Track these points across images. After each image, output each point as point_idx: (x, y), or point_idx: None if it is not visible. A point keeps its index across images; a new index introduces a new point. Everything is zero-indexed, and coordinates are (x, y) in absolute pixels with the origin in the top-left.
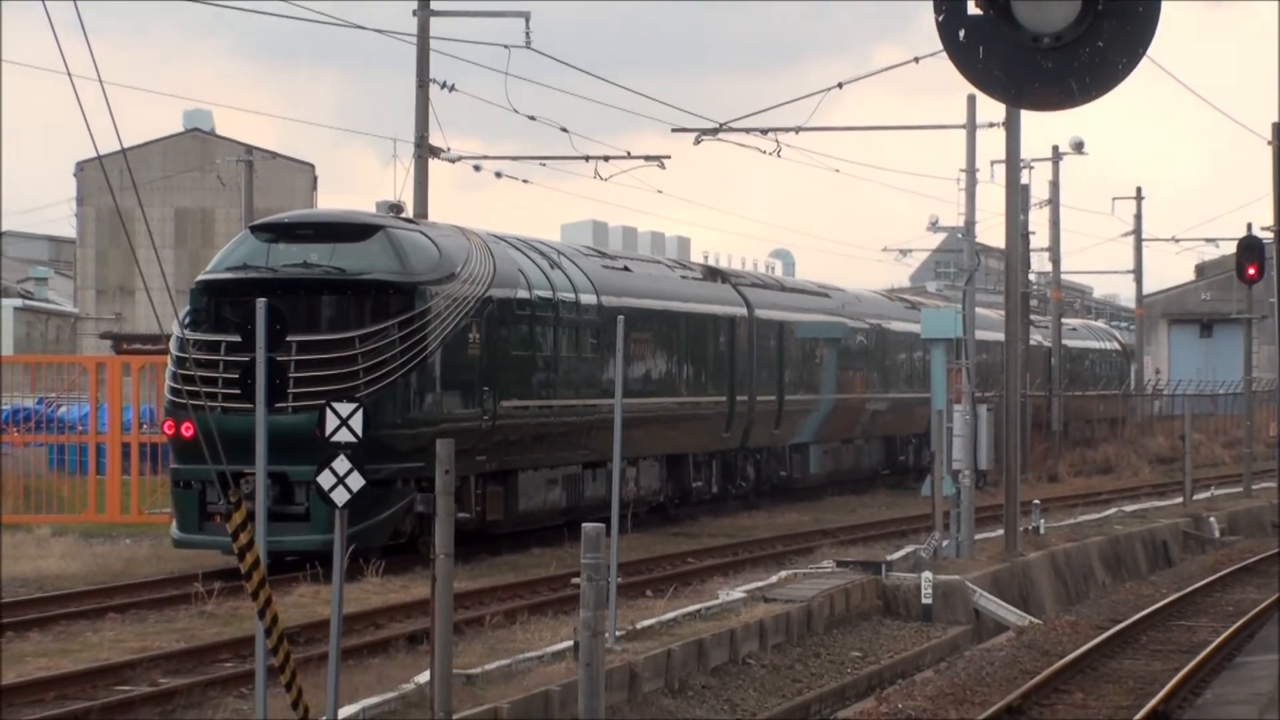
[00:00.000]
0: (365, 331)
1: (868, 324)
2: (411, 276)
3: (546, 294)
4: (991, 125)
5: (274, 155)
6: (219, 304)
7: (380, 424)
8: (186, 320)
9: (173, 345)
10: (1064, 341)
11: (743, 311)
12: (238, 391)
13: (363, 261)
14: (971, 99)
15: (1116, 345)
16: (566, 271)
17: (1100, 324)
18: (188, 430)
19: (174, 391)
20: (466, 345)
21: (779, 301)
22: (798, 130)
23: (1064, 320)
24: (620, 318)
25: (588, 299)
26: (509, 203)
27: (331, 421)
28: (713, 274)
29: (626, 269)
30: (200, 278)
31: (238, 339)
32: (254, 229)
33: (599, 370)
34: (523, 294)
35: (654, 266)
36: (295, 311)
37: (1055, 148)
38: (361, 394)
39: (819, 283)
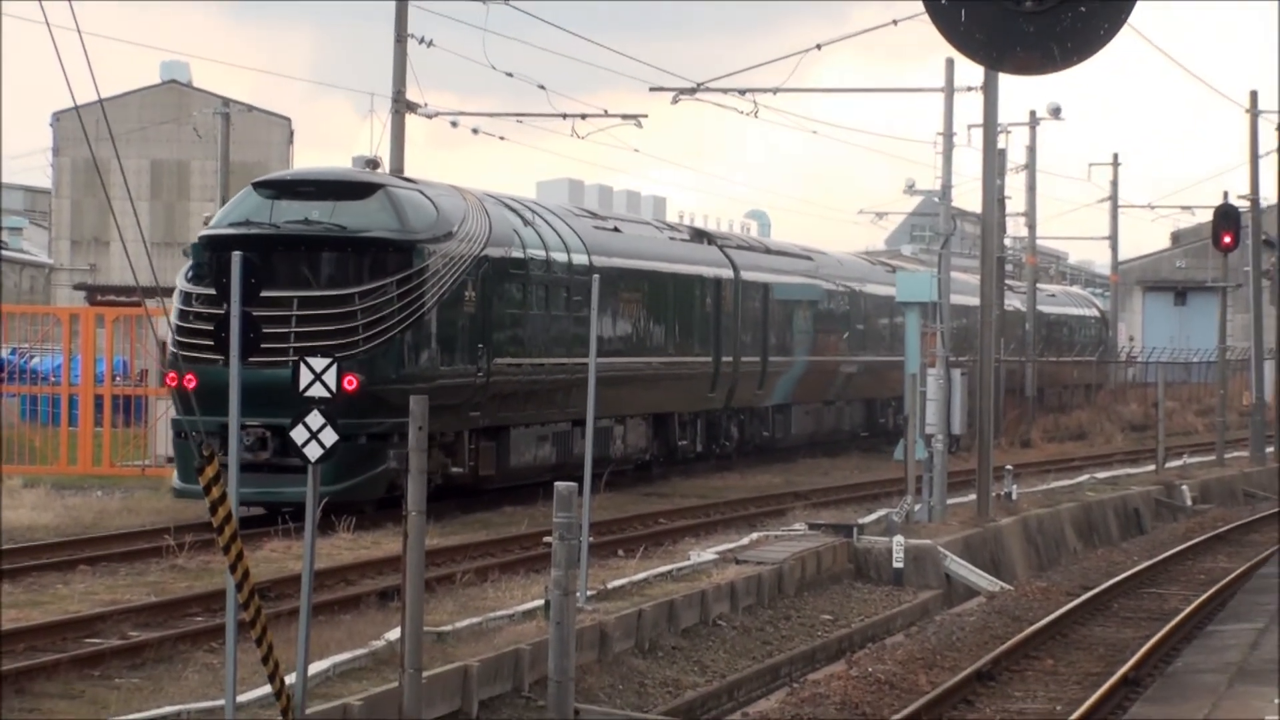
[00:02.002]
0: (365, 288)
1: (850, 287)
2: (410, 235)
3: (540, 254)
4: (969, 89)
5: (251, 108)
6: (222, 259)
7: (378, 379)
8: (189, 274)
9: (176, 299)
10: (1043, 308)
11: (729, 273)
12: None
13: (363, 219)
14: (950, 63)
15: (1095, 312)
16: (559, 232)
17: (1080, 290)
18: (190, 382)
19: (177, 344)
20: (462, 303)
21: (764, 264)
22: (776, 91)
23: (1043, 286)
24: (596, 277)
25: (579, 259)
26: (485, 159)
27: (305, 376)
28: (699, 235)
29: (617, 230)
30: (203, 233)
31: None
32: (256, 185)
33: (588, 329)
34: (517, 253)
35: (643, 228)
36: (296, 267)
37: (1032, 113)
38: (360, 349)
39: (802, 246)
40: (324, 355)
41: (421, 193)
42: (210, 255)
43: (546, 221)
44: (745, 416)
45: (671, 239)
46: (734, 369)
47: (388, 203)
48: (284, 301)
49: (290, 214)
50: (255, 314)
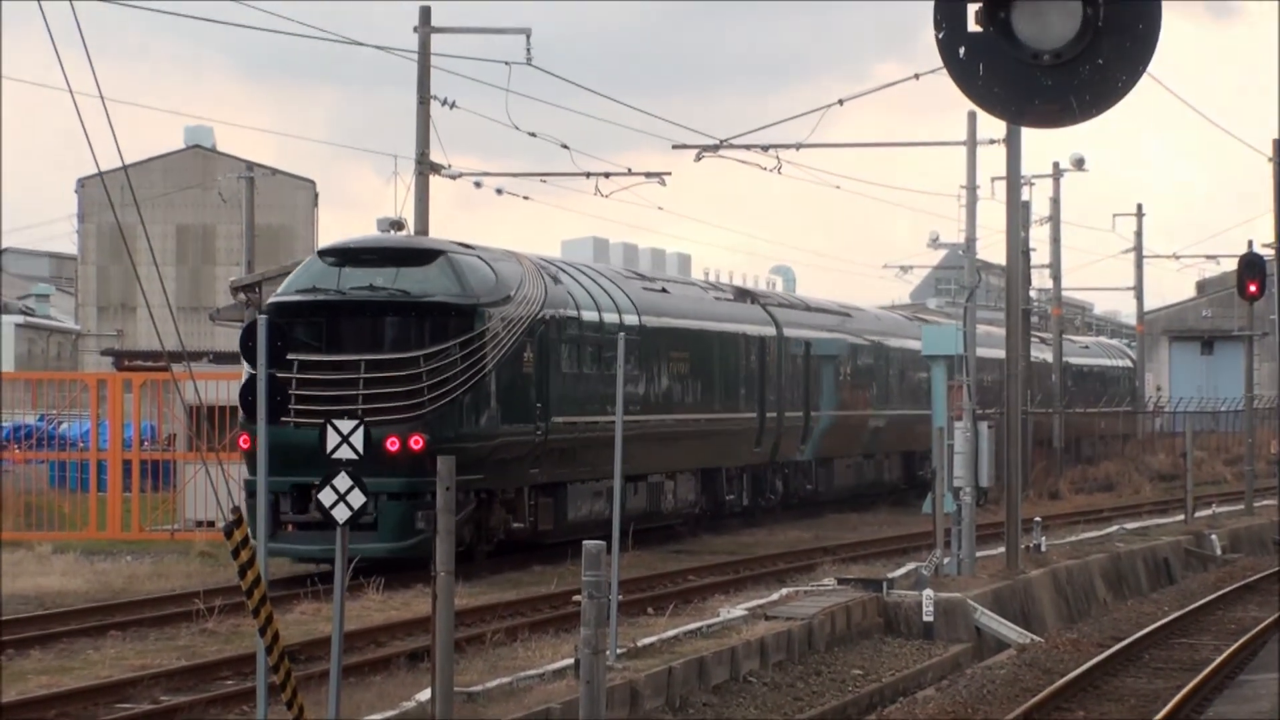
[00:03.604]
0: (429, 351)
1: (885, 342)
2: (471, 299)
3: (593, 315)
4: (992, 142)
5: (275, 172)
6: (290, 325)
7: (443, 439)
8: None
9: (245, 364)
10: (1076, 359)
11: (772, 331)
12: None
13: (425, 284)
14: (972, 116)
15: (1129, 363)
16: (610, 293)
17: (1113, 342)
18: None
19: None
20: (521, 364)
21: (805, 321)
22: (798, 147)
23: (1077, 338)
24: (621, 335)
25: (630, 319)
26: (508, 219)
27: (332, 439)
28: (743, 295)
29: (664, 291)
30: (271, 300)
31: (309, 357)
32: (321, 253)
33: (640, 388)
34: (571, 315)
35: (689, 288)
36: (361, 331)
37: (1056, 164)
38: (426, 410)
39: (840, 302)
40: (391, 416)
41: (480, 258)
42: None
43: (599, 284)
44: (789, 470)
45: (717, 299)
46: (778, 424)
47: (449, 268)
48: (351, 364)
49: (355, 280)
50: (324, 377)
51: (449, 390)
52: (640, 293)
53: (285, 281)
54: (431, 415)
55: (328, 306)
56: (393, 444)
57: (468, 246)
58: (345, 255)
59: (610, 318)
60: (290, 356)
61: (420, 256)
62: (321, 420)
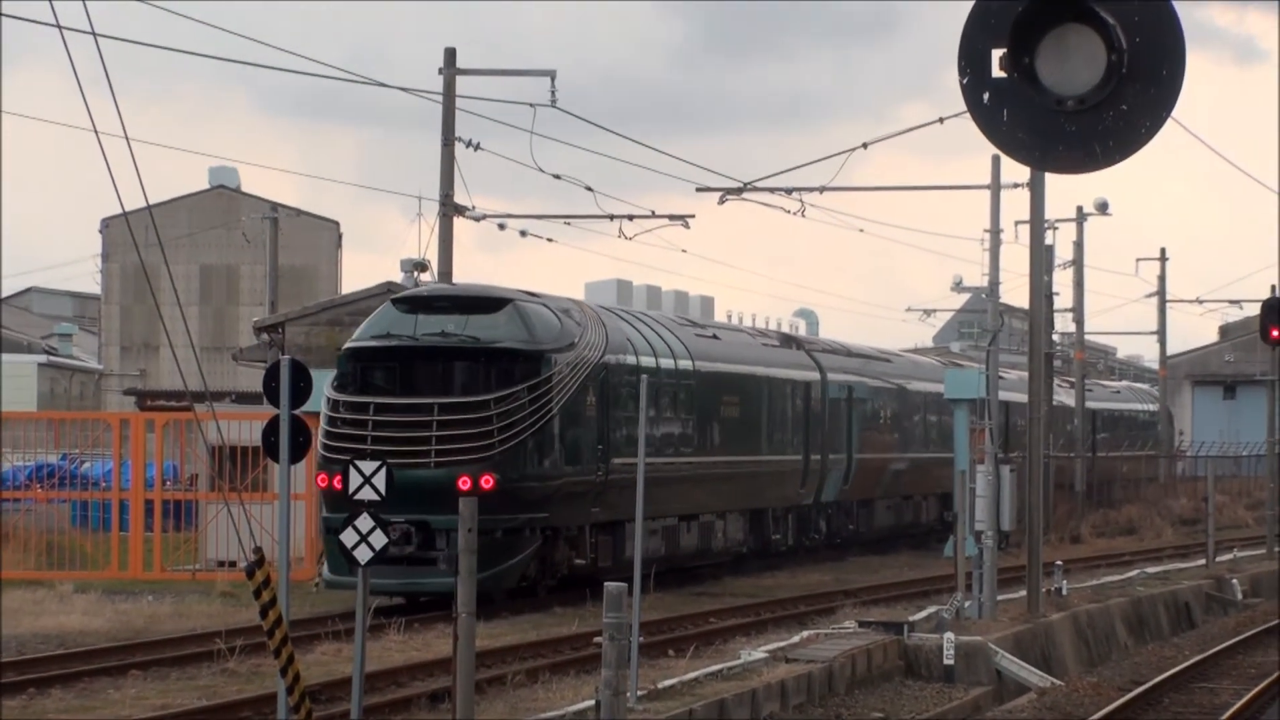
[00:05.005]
0: (499, 395)
1: (921, 387)
2: (538, 345)
3: (650, 360)
4: (1016, 186)
5: (299, 212)
6: (366, 369)
7: (512, 478)
8: (335, 383)
9: (323, 405)
10: (1106, 404)
11: (815, 375)
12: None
13: (495, 331)
14: (996, 160)
15: (1158, 407)
16: (666, 340)
17: (1144, 387)
18: (339, 482)
19: (326, 448)
20: (584, 407)
21: (848, 366)
22: (822, 190)
23: (1108, 383)
24: (644, 378)
25: (685, 364)
26: (532, 261)
27: (355, 480)
28: (788, 340)
29: (715, 337)
30: (347, 345)
31: (385, 400)
32: (395, 301)
33: (694, 431)
34: (630, 360)
35: (738, 334)
36: (434, 376)
37: (1079, 208)
38: (496, 451)
39: (878, 348)
40: (462, 456)
41: (546, 306)
42: (353, 365)
43: (655, 331)
44: (832, 510)
45: (764, 345)
46: (821, 466)
47: (516, 316)
48: (425, 407)
49: (428, 327)
50: (399, 419)
51: (517, 432)
52: (694, 339)
53: (361, 327)
54: (501, 456)
55: (402, 352)
56: (464, 483)
57: (534, 295)
58: (418, 303)
59: (666, 363)
60: (366, 399)
61: (489, 305)
62: (398, 460)
